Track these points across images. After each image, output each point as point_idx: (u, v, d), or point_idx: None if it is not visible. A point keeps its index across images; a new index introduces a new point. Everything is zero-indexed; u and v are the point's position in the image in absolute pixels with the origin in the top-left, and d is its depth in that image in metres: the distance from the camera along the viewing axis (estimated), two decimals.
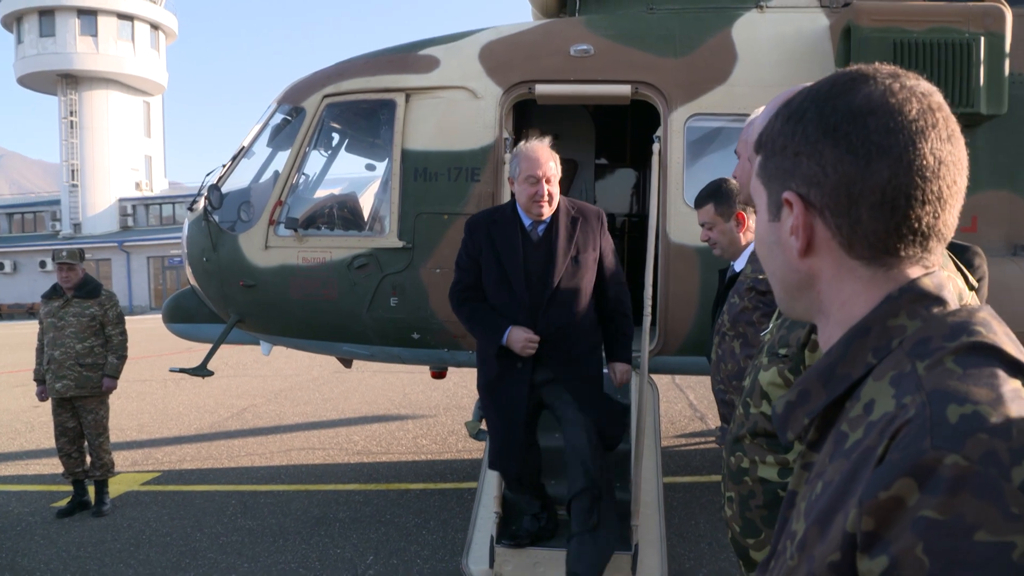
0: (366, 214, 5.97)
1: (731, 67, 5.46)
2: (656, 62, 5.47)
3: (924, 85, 0.91)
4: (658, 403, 5.45)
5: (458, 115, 5.50)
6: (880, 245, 0.89)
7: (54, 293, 6.18)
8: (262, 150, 6.14)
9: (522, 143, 3.76)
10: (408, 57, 5.67)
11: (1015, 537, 0.66)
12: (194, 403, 10.90)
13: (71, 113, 43.02)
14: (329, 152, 6.17)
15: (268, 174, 5.99)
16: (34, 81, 44.14)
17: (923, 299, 0.87)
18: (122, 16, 43.69)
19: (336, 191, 6.53)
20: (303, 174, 5.81)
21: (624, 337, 4.15)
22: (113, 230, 43.65)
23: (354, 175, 6.71)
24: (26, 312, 40.54)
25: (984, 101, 5.02)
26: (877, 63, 0.94)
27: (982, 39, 4.98)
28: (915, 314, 0.87)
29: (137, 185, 45.30)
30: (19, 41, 43.21)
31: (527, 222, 3.86)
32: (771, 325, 1.78)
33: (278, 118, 5.97)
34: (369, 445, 8.19)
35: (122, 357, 6.17)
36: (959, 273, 1.49)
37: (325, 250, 5.52)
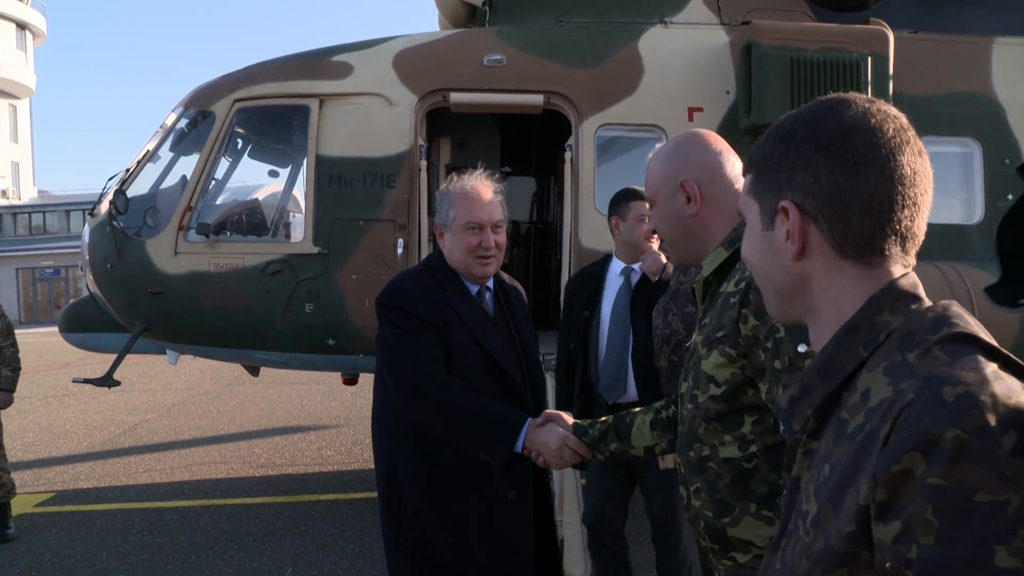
0: (280, 220, 5.89)
1: (638, 79, 5.68)
2: (567, 73, 5.63)
3: (893, 109, 1.04)
4: None
5: (373, 122, 5.50)
6: (867, 245, 1.01)
7: None
8: (166, 154, 5.96)
9: (455, 180, 2.74)
10: (321, 63, 5.63)
11: (1009, 495, 0.78)
12: (81, 420, 10.37)
13: None
14: (240, 157, 6.05)
15: (174, 179, 5.82)
16: None
17: (902, 297, 0.99)
18: None
19: (250, 196, 6.40)
20: (213, 179, 5.68)
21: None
22: None
23: (266, 180, 6.60)
24: None
25: None
26: (849, 93, 1.08)
27: (869, 59, 5.36)
28: (897, 311, 0.98)
29: (3, 193, 42.73)
30: None
31: (472, 288, 2.74)
32: (694, 336, 1.92)
33: (184, 122, 5.82)
34: (273, 458, 8.02)
35: (16, 370, 5.85)
36: None
37: (238, 256, 5.41)
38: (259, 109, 5.67)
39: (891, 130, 1.01)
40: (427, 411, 2.50)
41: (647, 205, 3.71)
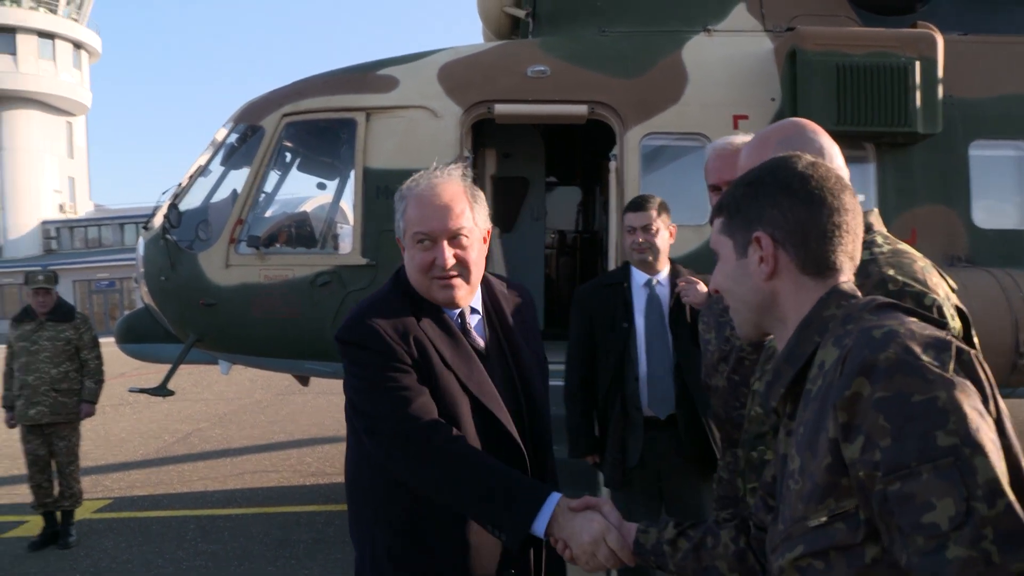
0: (328, 232, 5.99)
1: (683, 88, 5.67)
2: (611, 83, 5.64)
3: (833, 164, 1.45)
4: None
5: (419, 134, 5.57)
6: (822, 264, 1.29)
7: (25, 316, 5.91)
8: (217, 168, 6.11)
9: (413, 179, 2.00)
10: (367, 77, 5.72)
11: (936, 392, 1.03)
12: (136, 429, 10.62)
13: None
14: (289, 170, 6.17)
15: (225, 192, 5.96)
16: None
17: (844, 296, 1.28)
18: (42, 34, 42.59)
19: (299, 209, 6.53)
20: (263, 192, 5.80)
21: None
22: (36, 253, 42.17)
23: (315, 193, 6.72)
24: None
25: (920, 121, 5.32)
26: (795, 152, 1.38)
27: (917, 63, 5.28)
28: (840, 306, 1.27)
29: (61, 207, 43.98)
30: None
31: (451, 314, 2.01)
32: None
33: (234, 137, 5.96)
34: (323, 466, 8.11)
35: (99, 381, 5.97)
36: (943, 278, 1.68)
37: (287, 268, 5.52)
38: (307, 123, 5.78)
39: (833, 178, 1.31)
40: (416, 458, 1.84)
41: (645, 217, 3.63)
